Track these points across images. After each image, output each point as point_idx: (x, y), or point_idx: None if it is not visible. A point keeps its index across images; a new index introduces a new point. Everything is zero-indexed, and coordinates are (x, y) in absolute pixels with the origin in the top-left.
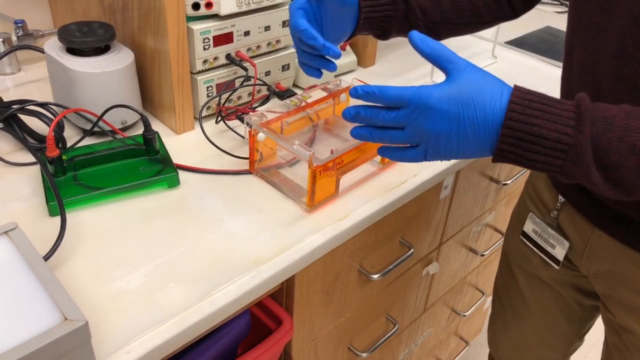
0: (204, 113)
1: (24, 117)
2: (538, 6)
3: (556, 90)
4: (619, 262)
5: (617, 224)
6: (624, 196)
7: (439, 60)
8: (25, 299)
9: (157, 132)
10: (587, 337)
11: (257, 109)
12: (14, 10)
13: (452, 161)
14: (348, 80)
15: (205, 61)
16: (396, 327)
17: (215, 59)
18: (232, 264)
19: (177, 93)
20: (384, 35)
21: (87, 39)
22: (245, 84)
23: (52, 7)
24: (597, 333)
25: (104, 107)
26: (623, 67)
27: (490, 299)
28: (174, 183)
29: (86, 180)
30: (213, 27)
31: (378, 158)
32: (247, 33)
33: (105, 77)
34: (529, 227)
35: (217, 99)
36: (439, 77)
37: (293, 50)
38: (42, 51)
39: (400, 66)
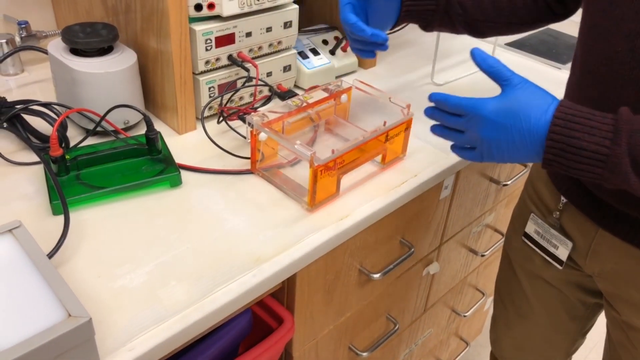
0: (206, 113)
1: (28, 117)
2: None
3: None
4: (623, 261)
5: (621, 224)
6: None
7: (495, 76)
8: (29, 295)
9: (159, 132)
10: (587, 338)
11: (258, 109)
12: (17, 12)
13: (452, 162)
14: (349, 81)
15: (207, 62)
16: (397, 326)
17: (217, 59)
18: (234, 262)
19: (179, 93)
20: (426, 27)
21: (90, 40)
22: (247, 84)
23: (55, 9)
24: (597, 335)
25: (107, 107)
26: (634, 69)
27: (490, 299)
28: (176, 182)
29: (89, 180)
30: (215, 28)
31: (378, 158)
32: (248, 34)
33: (108, 78)
34: (530, 228)
35: (219, 99)
36: (439, 78)
37: (294, 51)
38: (45, 52)
39: (401, 67)
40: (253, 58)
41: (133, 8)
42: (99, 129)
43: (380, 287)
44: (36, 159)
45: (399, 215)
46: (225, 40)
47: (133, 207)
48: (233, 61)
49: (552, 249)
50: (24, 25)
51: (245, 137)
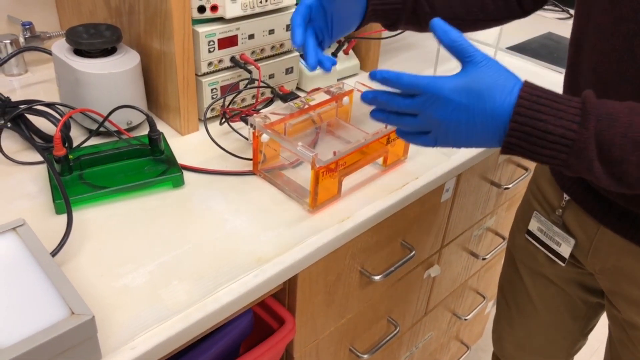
0: (209, 115)
1: (31, 117)
2: (540, 12)
3: None
4: (624, 258)
5: (622, 221)
6: (626, 190)
7: (457, 53)
8: (33, 293)
9: (162, 133)
10: (588, 343)
11: (260, 111)
12: (21, 13)
13: (454, 164)
14: (351, 84)
15: (210, 63)
16: (397, 329)
17: (220, 61)
18: (235, 262)
19: (182, 95)
20: (392, 26)
21: (94, 41)
22: (249, 86)
23: (59, 10)
24: (601, 335)
25: (110, 107)
26: (630, 68)
27: (491, 303)
28: (178, 183)
29: (92, 180)
30: (218, 30)
31: (380, 160)
32: (251, 36)
33: (112, 78)
34: (534, 225)
35: (222, 100)
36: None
37: (297, 53)
38: (49, 53)
39: (402, 70)
40: (255, 60)
41: (136, 9)
42: (102, 129)
43: (381, 289)
44: (40, 158)
45: (400, 218)
46: (228, 42)
47: (135, 207)
48: (236, 63)
49: (554, 246)
50: (28, 26)
51: (247, 139)
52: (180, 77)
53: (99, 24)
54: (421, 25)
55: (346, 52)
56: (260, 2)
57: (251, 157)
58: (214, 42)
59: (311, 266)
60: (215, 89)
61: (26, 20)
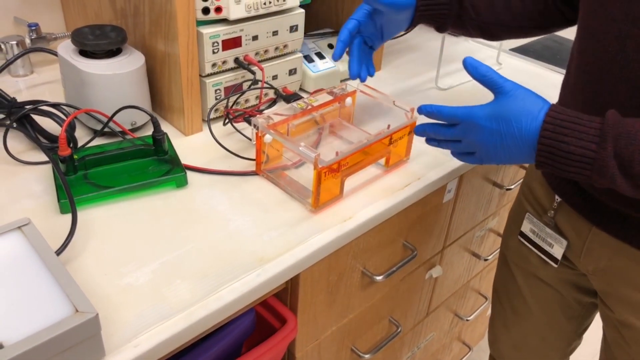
0: (212, 115)
1: (37, 118)
2: None
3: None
4: (616, 258)
5: (614, 221)
6: None
7: (488, 84)
8: (37, 291)
9: (166, 133)
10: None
11: (264, 111)
12: (27, 14)
13: (455, 165)
14: (354, 85)
15: (214, 64)
16: (399, 329)
17: (224, 62)
18: (238, 262)
19: (186, 95)
20: (439, 29)
21: (99, 42)
22: (252, 87)
23: (64, 11)
24: (597, 338)
25: (115, 108)
26: (624, 69)
27: None
28: (182, 183)
29: (96, 179)
30: (222, 32)
31: (382, 161)
32: (255, 37)
33: (117, 79)
34: (526, 227)
35: (225, 101)
36: (443, 83)
37: (300, 55)
38: (55, 54)
39: (406, 72)
40: (259, 61)
41: (141, 11)
42: (106, 129)
43: (383, 289)
44: (45, 158)
45: (402, 218)
46: (232, 43)
47: (139, 206)
48: (239, 64)
49: (547, 248)
50: (34, 27)
51: (250, 139)
52: (184, 78)
53: (104, 25)
54: (467, 29)
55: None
56: (264, 3)
57: (254, 157)
58: (218, 43)
59: (313, 266)
60: (219, 89)
61: (32, 21)
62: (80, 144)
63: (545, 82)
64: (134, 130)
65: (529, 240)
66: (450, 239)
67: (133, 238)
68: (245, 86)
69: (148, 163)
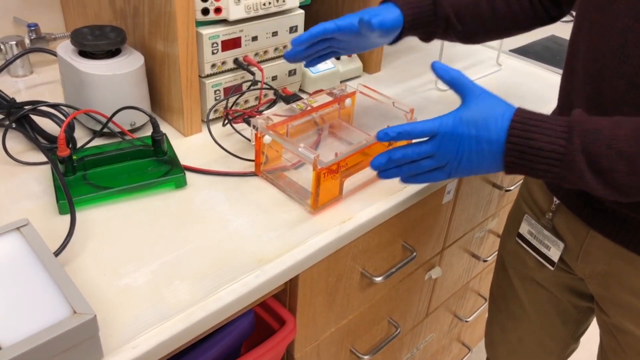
0: (212, 116)
1: (36, 118)
2: None
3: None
4: (613, 262)
5: (611, 224)
6: (622, 198)
7: (457, 87)
8: (36, 292)
9: (165, 134)
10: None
11: (263, 112)
12: (27, 14)
13: None
14: (353, 86)
15: (213, 65)
16: (398, 330)
17: (224, 63)
18: (237, 263)
19: (185, 96)
20: (426, 40)
21: (98, 42)
22: (252, 88)
23: (64, 11)
24: (594, 349)
25: (114, 108)
26: (623, 64)
27: None
28: (181, 184)
29: (95, 180)
30: (222, 32)
31: None
32: (254, 38)
33: (116, 80)
34: (524, 228)
35: (225, 102)
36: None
37: None
38: (54, 54)
39: (405, 73)
40: (259, 62)
41: (141, 12)
42: (105, 130)
43: (382, 290)
44: (44, 159)
45: (401, 219)
46: (232, 44)
47: (138, 207)
48: (239, 65)
49: (544, 250)
50: (33, 28)
51: (249, 140)
52: (183, 78)
53: (103, 26)
54: (455, 39)
55: (349, 55)
56: (264, 4)
57: (253, 158)
58: (217, 44)
59: (312, 267)
60: (218, 90)
61: (32, 21)
62: (79, 144)
63: (545, 83)
64: (133, 130)
65: (527, 242)
66: (449, 240)
67: (132, 239)
68: (244, 87)
69: (147, 164)
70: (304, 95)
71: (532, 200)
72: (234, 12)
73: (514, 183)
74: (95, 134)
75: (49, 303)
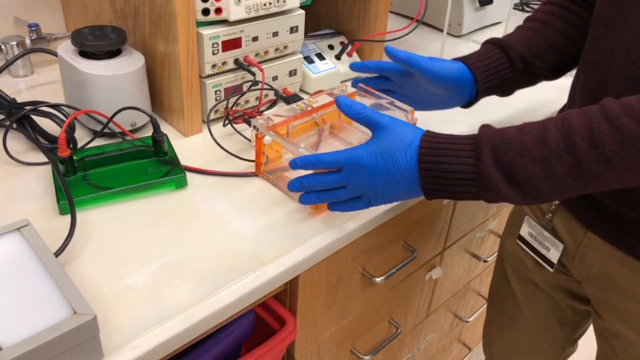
0: (212, 116)
1: (37, 118)
2: None
3: (560, 99)
4: (610, 265)
5: (608, 225)
6: (540, 203)
7: (365, 122)
8: (36, 292)
9: (165, 134)
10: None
11: (263, 112)
12: (28, 14)
13: None
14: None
15: (214, 65)
16: (399, 330)
17: (224, 63)
18: (237, 263)
19: (186, 96)
20: (506, 91)
21: (99, 43)
22: (252, 88)
23: (65, 12)
24: (592, 351)
25: (115, 109)
26: (625, 60)
27: None
28: (181, 184)
29: (96, 180)
30: (222, 33)
31: None
32: (255, 38)
33: (116, 80)
34: (525, 230)
35: (225, 102)
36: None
37: (300, 56)
38: (55, 54)
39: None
40: (259, 62)
41: (141, 12)
42: (106, 130)
43: (382, 290)
44: (44, 159)
45: (402, 220)
46: (232, 44)
47: (139, 207)
48: (239, 65)
49: (544, 251)
50: (34, 28)
51: (250, 140)
52: (184, 79)
53: (104, 26)
54: (537, 79)
55: (350, 55)
56: (264, 4)
57: (254, 158)
58: (217, 44)
59: (313, 267)
60: (218, 90)
61: (32, 21)
62: (80, 144)
63: (546, 84)
64: (133, 131)
65: (527, 244)
66: (450, 240)
67: (132, 239)
68: (245, 87)
69: (147, 164)
70: (304, 96)
71: None
72: (235, 12)
73: None
74: (96, 134)
75: (49, 303)
